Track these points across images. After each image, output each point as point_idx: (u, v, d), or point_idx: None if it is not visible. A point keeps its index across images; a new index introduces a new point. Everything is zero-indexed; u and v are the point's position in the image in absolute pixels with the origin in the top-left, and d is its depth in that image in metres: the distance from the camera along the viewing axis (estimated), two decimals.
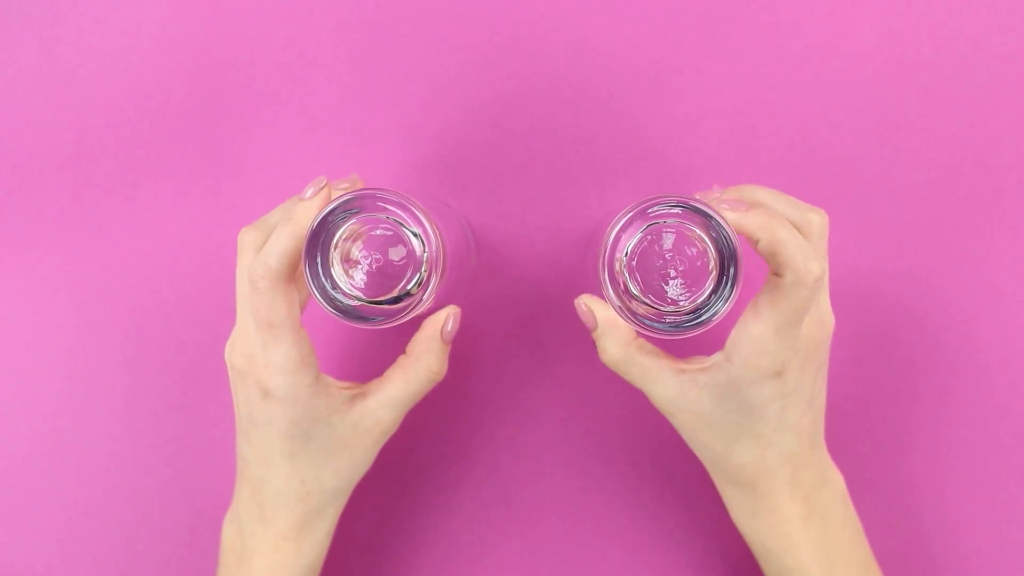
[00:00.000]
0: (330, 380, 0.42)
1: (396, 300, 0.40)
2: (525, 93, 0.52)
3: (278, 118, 0.52)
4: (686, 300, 0.40)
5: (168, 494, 0.52)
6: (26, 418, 0.53)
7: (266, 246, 0.39)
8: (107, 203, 0.52)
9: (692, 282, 0.40)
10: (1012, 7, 0.51)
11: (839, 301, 0.51)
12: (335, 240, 0.40)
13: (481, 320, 0.52)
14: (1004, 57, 0.51)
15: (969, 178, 0.51)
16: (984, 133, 0.51)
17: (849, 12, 0.51)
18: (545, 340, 0.52)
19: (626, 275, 0.40)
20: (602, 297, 0.41)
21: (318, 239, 0.40)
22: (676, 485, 0.52)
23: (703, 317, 0.40)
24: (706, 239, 0.40)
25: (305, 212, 0.38)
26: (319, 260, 0.40)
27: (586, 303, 0.44)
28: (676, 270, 0.40)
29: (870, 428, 0.51)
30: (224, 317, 0.52)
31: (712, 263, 0.40)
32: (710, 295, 0.40)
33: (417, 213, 0.40)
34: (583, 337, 0.52)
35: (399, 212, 0.40)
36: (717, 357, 0.41)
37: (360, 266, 0.41)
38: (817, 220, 0.40)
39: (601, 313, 0.43)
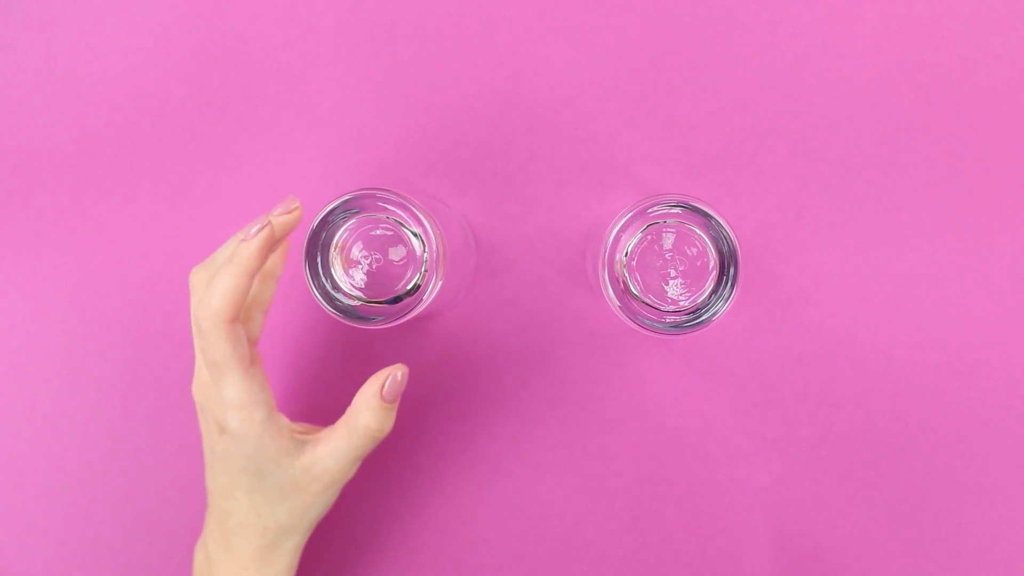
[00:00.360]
0: (284, 422, 0.42)
1: (396, 300, 0.40)
2: (525, 93, 0.52)
3: (278, 118, 0.52)
4: (686, 300, 0.40)
5: (168, 494, 0.52)
6: (26, 418, 0.53)
7: (209, 287, 0.39)
8: (107, 203, 0.52)
9: (692, 282, 0.40)
10: (1012, 7, 0.51)
11: (839, 301, 0.51)
12: (335, 240, 0.41)
13: (481, 320, 0.52)
14: (1004, 57, 0.51)
15: (969, 178, 0.51)
16: (984, 133, 0.51)
17: (849, 12, 0.51)
18: (545, 340, 0.52)
19: (626, 275, 0.40)
20: (603, 297, 0.41)
21: (318, 239, 0.40)
22: (676, 485, 0.52)
23: (703, 317, 0.40)
24: (706, 239, 0.40)
25: (248, 253, 0.39)
26: (319, 260, 0.40)
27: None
28: (676, 270, 0.40)
29: (870, 428, 0.51)
30: None
31: (712, 263, 0.40)
32: (710, 295, 0.40)
33: (417, 213, 0.40)
34: (583, 337, 0.52)
35: (399, 212, 0.40)
36: None
37: (360, 266, 0.41)
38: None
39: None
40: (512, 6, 0.52)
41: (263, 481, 0.41)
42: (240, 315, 0.39)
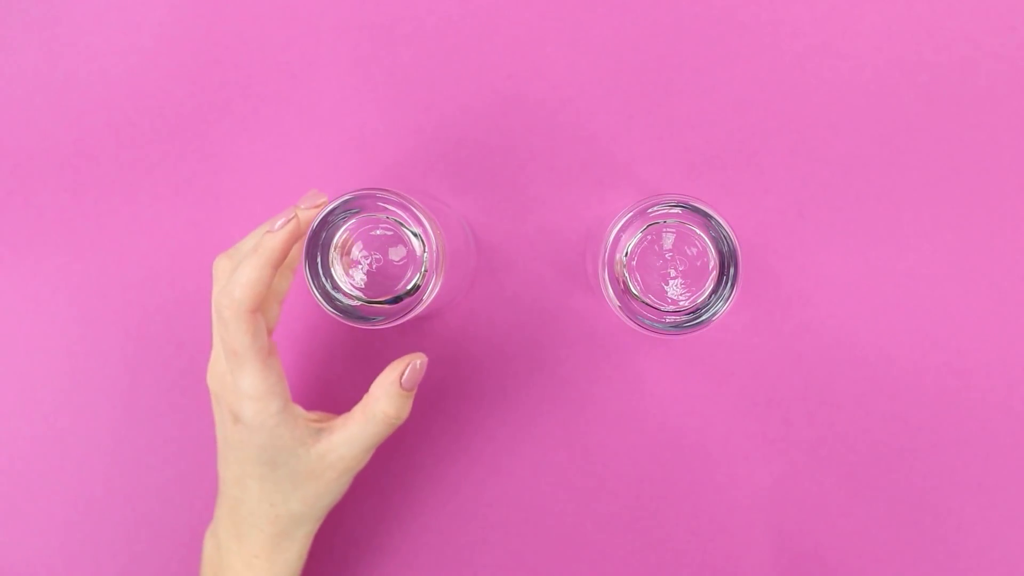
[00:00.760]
0: (299, 411, 0.42)
1: (396, 300, 0.40)
2: (525, 93, 0.52)
3: (278, 118, 0.52)
4: (686, 300, 0.40)
5: (168, 494, 0.52)
6: (26, 418, 0.53)
7: (232, 276, 0.39)
8: (107, 203, 0.52)
9: (692, 282, 0.40)
10: (1012, 7, 0.51)
11: (839, 301, 0.51)
12: (335, 240, 0.41)
13: (481, 320, 0.52)
14: (1004, 57, 0.51)
15: (969, 178, 0.51)
16: (984, 133, 0.51)
17: (849, 12, 0.51)
18: (545, 340, 0.52)
19: (626, 275, 0.40)
20: (603, 297, 0.41)
21: (318, 239, 0.40)
22: (676, 485, 0.52)
23: (703, 317, 0.40)
24: (706, 239, 0.40)
25: (272, 244, 0.39)
26: (319, 260, 0.40)
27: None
28: (676, 270, 0.40)
29: (870, 428, 0.51)
30: None
31: (712, 263, 0.40)
32: (710, 295, 0.40)
33: (417, 213, 0.40)
34: (583, 337, 0.52)
35: (399, 212, 0.40)
36: None
37: (360, 266, 0.41)
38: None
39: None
40: (512, 6, 0.52)
41: (277, 470, 0.42)
42: (261, 305, 0.40)
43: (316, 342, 0.52)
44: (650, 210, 0.40)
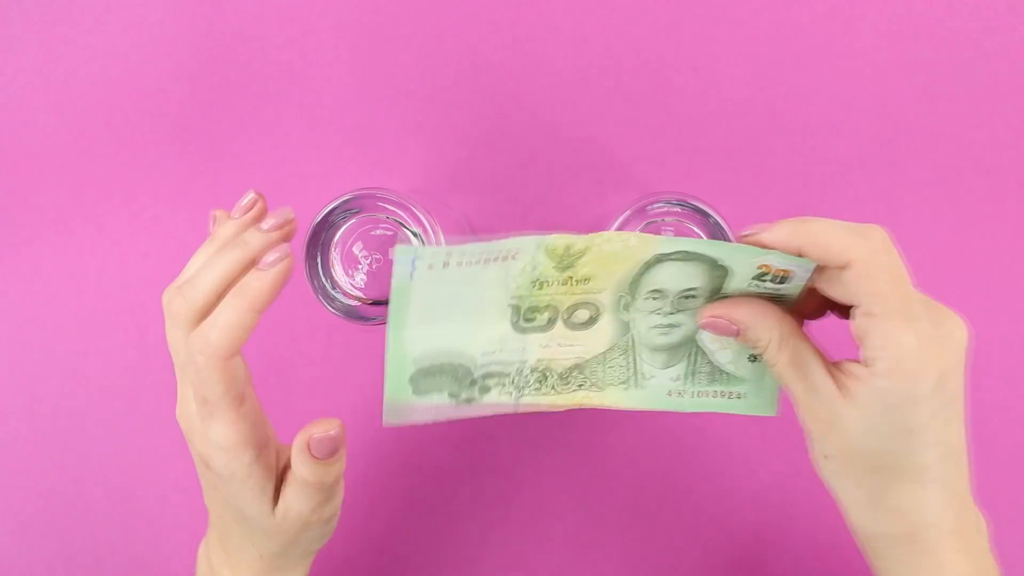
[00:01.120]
0: (271, 461, 0.38)
1: None
2: (525, 93, 0.52)
3: (278, 118, 0.52)
4: None
5: (168, 495, 0.52)
6: (26, 418, 0.53)
7: (212, 317, 0.35)
8: (107, 203, 0.52)
9: None
10: (1012, 7, 0.51)
11: None
12: (335, 240, 0.41)
13: None
14: (1004, 57, 0.51)
15: (969, 178, 0.51)
16: (984, 133, 0.51)
17: (849, 12, 0.51)
18: None
19: None
20: None
21: (318, 239, 0.40)
22: (677, 486, 0.52)
23: None
24: (705, 237, 0.40)
25: (260, 287, 0.34)
26: (319, 260, 0.40)
27: (713, 313, 0.35)
28: None
29: None
30: None
31: None
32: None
33: (417, 213, 0.40)
34: None
35: (399, 212, 0.40)
36: (858, 370, 0.33)
37: (360, 266, 0.41)
38: (878, 236, 0.34)
39: (739, 311, 0.35)
40: (512, 6, 0.52)
41: (249, 520, 0.38)
42: (238, 350, 0.35)
43: (316, 342, 0.52)
44: (649, 208, 0.40)
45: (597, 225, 0.45)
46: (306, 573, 0.42)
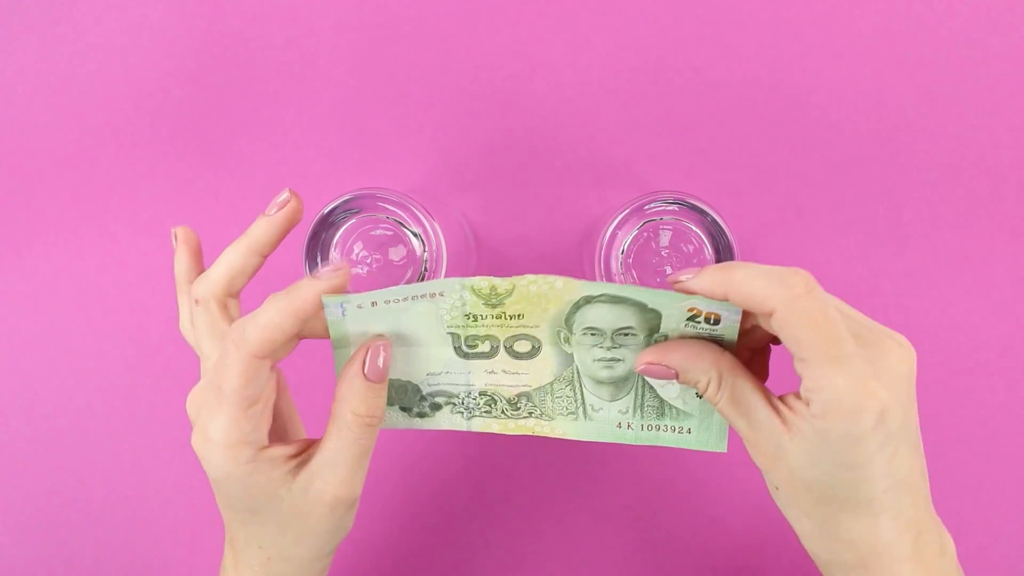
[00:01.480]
0: (274, 452, 0.36)
1: None
2: (525, 93, 0.52)
3: (278, 118, 0.52)
4: None
5: (168, 494, 0.52)
6: (26, 418, 0.53)
7: (253, 314, 0.34)
8: (107, 203, 0.52)
9: None
10: (1012, 7, 0.51)
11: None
12: (335, 240, 0.41)
13: None
14: (1004, 57, 0.51)
15: (969, 178, 0.51)
16: (984, 133, 0.51)
17: (849, 12, 0.51)
18: None
19: (623, 272, 0.40)
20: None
21: (318, 239, 0.40)
22: (676, 486, 0.52)
23: None
24: (702, 235, 0.40)
25: (304, 295, 0.34)
26: (319, 260, 0.40)
27: (648, 360, 0.35)
28: (672, 267, 0.40)
29: None
30: None
31: (709, 260, 0.40)
32: None
33: (417, 213, 0.40)
34: None
35: (399, 212, 0.40)
36: (799, 406, 0.33)
37: (360, 266, 0.41)
38: (799, 281, 0.32)
39: (673, 355, 0.35)
40: (512, 5, 0.52)
41: (258, 515, 0.36)
42: (272, 354, 0.35)
43: (316, 342, 0.52)
44: (646, 207, 0.40)
45: (597, 225, 0.45)
46: None
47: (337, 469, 0.36)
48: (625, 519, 0.52)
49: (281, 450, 0.36)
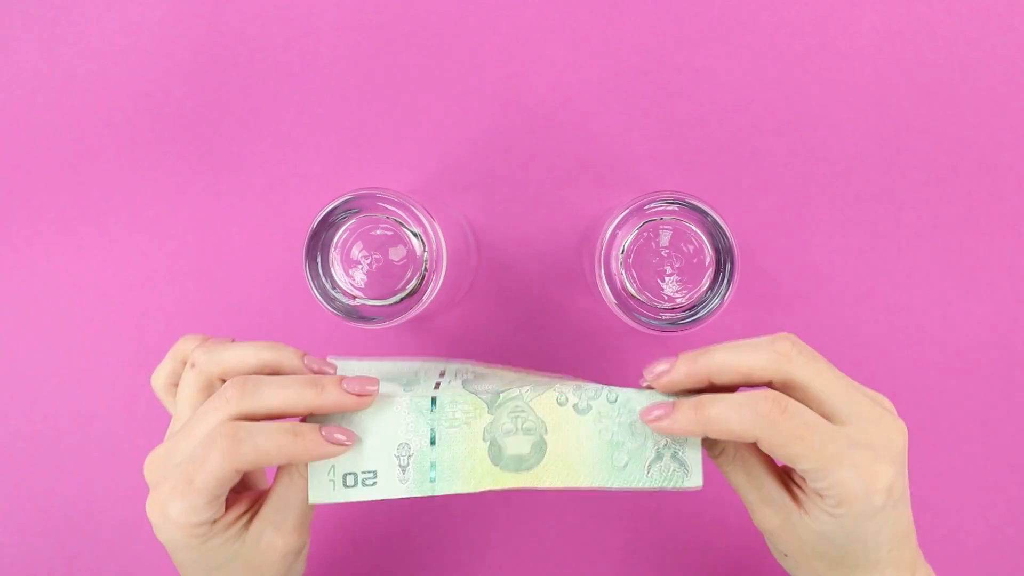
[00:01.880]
0: (229, 518, 0.36)
1: (396, 300, 0.40)
2: (525, 93, 0.52)
3: (278, 118, 0.52)
4: (683, 297, 0.40)
5: None
6: (26, 418, 0.53)
7: (257, 428, 0.34)
8: (107, 203, 0.53)
9: (688, 279, 0.40)
10: (1012, 7, 0.51)
11: (839, 300, 0.51)
12: (335, 240, 0.41)
13: (481, 319, 0.52)
14: (1004, 57, 0.51)
15: (969, 178, 0.51)
16: (984, 133, 0.51)
17: (849, 12, 0.51)
18: (544, 339, 0.52)
19: (622, 272, 0.40)
20: (600, 295, 0.41)
21: (318, 239, 0.40)
22: None
23: (700, 314, 0.40)
24: (702, 235, 0.40)
25: (305, 448, 0.34)
26: (319, 260, 0.40)
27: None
28: (672, 267, 0.40)
29: None
30: (224, 317, 0.52)
31: (708, 259, 0.40)
32: (706, 291, 0.40)
33: (417, 213, 0.40)
34: (582, 336, 0.52)
35: (399, 212, 0.40)
36: (810, 491, 0.35)
37: (360, 266, 0.41)
38: (769, 406, 0.33)
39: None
40: (512, 6, 0.52)
41: (216, 572, 0.37)
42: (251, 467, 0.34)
43: (316, 342, 0.52)
44: (646, 207, 0.40)
45: (597, 225, 0.45)
46: None
47: (287, 516, 0.36)
48: (625, 519, 0.52)
49: (235, 512, 0.36)
